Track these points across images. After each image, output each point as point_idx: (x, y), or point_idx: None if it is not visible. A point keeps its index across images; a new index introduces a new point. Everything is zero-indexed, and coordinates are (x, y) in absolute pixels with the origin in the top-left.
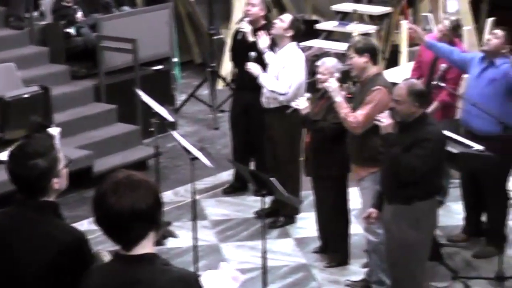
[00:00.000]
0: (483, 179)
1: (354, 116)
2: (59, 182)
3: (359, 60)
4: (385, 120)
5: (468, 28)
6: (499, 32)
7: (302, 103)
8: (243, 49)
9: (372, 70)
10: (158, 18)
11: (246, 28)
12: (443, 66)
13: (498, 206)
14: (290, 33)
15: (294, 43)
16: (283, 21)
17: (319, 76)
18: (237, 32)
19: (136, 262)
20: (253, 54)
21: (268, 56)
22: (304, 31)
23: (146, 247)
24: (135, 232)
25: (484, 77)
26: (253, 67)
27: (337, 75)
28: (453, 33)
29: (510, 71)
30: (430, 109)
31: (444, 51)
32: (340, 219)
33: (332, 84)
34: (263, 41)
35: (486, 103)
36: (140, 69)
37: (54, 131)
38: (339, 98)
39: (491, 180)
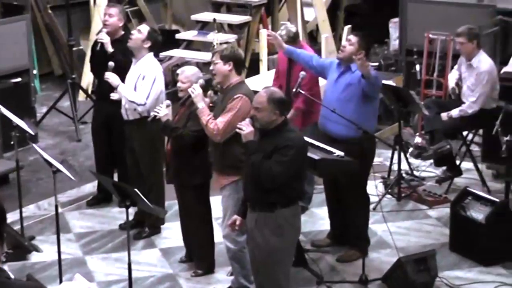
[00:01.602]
0: (343, 184)
1: (214, 123)
2: None
3: (223, 67)
4: (245, 128)
5: (326, 35)
6: (353, 38)
7: (162, 111)
8: (103, 60)
9: (235, 78)
10: (15, 29)
11: (105, 38)
12: (302, 73)
13: (359, 209)
14: (148, 44)
15: (152, 53)
16: (141, 32)
17: (179, 84)
18: (96, 42)
19: None
20: (111, 64)
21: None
22: (161, 41)
23: None
24: None
25: (341, 82)
26: (111, 77)
27: (201, 81)
28: (293, 41)
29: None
30: (288, 116)
31: (303, 57)
32: (204, 227)
33: (195, 90)
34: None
35: (343, 107)
36: None
37: None
38: (201, 104)
39: (351, 184)
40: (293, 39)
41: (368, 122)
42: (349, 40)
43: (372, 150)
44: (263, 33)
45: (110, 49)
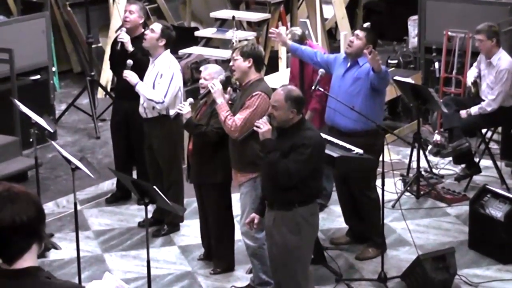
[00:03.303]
0: (353, 179)
1: (232, 120)
2: None
3: (243, 64)
4: (263, 126)
5: (344, 33)
6: (360, 33)
7: (185, 108)
8: (122, 58)
9: (254, 76)
10: (34, 27)
11: (125, 38)
12: (321, 71)
13: (371, 205)
14: (163, 42)
15: (168, 51)
16: (154, 31)
17: (201, 81)
18: (116, 40)
19: (18, 276)
20: (130, 62)
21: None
22: (176, 37)
23: (28, 260)
24: (17, 245)
25: (348, 77)
26: (129, 75)
27: (221, 77)
28: (300, 43)
29: (371, 69)
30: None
31: (307, 53)
32: (225, 225)
33: (215, 86)
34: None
35: (352, 102)
36: (17, 79)
37: None
38: (220, 99)
39: (360, 179)
40: (299, 41)
41: (376, 116)
42: (357, 35)
43: (380, 144)
44: (282, 30)
45: (130, 48)
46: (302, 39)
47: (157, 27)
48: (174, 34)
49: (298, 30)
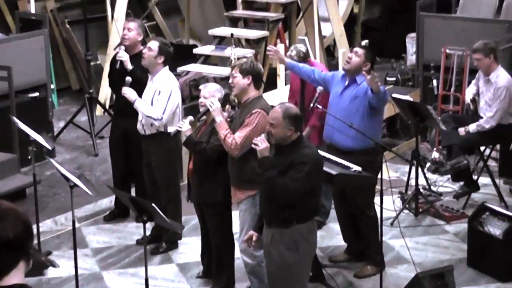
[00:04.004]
0: (351, 197)
1: (232, 138)
2: None
3: (242, 81)
4: (261, 143)
5: (343, 50)
6: (359, 50)
7: (185, 126)
8: (121, 76)
9: (253, 93)
10: (33, 44)
11: (124, 56)
12: (320, 89)
13: (368, 223)
14: (161, 59)
15: (167, 68)
16: (152, 49)
17: (201, 99)
18: (115, 58)
19: None
20: (129, 79)
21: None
22: (174, 55)
23: (15, 277)
24: (3, 262)
25: (346, 95)
26: (128, 92)
27: (219, 95)
28: (303, 60)
29: (369, 88)
30: (304, 134)
31: (305, 71)
32: (225, 243)
33: (214, 104)
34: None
35: (350, 120)
36: (16, 96)
37: None
38: (219, 118)
39: (358, 197)
40: (303, 58)
41: (375, 134)
42: (356, 52)
43: (379, 162)
44: (281, 48)
45: (129, 66)
46: (306, 56)
47: (154, 45)
48: (172, 50)
49: (302, 47)
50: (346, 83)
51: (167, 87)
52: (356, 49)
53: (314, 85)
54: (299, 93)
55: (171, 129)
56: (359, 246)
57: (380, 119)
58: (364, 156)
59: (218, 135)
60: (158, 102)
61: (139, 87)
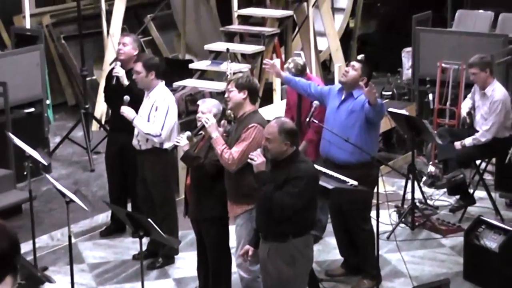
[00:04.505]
0: (347, 211)
1: (229, 153)
2: None
3: (238, 96)
4: (257, 158)
5: (339, 65)
6: (356, 64)
7: (183, 141)
8: (117, 91)
9: (249, 107)
10: (28, 60)
11: (120, 72)
12: (316, 103)
13: (365, 237)
14: (152, 75)
15: (163, 83)
16: (139, 71)
17: (198, 115)
18: (111, 73)
19: None
20: (127, 98)
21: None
22: (171, 70)
23: None
24: None
25: (343, 109)
26: (126, 111)
27: (214, 111)
28: (301, 73)
29: (366, 102)
30: (300, 148)
31: (301, 85)
32: (223, 258)
33: (209, 120)
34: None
35: (346, 134)
36: (11, 112)
37: None
38: (215, 133)
39: (355, 211)
40: (300, 71)
41: (371, 148)
42: (353, 66)
43: (374, 176)
44: (277, 62)
45: (126, 82)
46: (303, 69)
47: (139, 66)
48: (158, 60)
49: (300, 60)
50: (343, 97)
51: (164, 103)
52: (353, 63)
53: (310, 99)
54: (296, 108)
55: (167, 145)
56: (356, 260)
57: (377, 133)
58: (361, 170)
59: (215, 151)
60: (156, 118)
61: (137, 103)
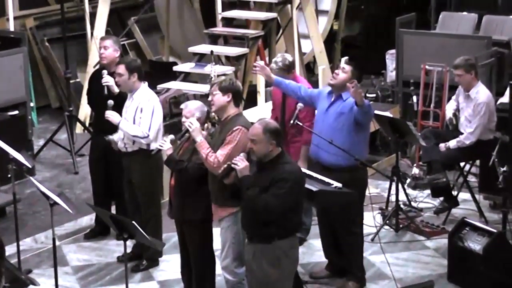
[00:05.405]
0: (335, 214)
1: (214, 156)
2: None
3: (222, 98)
4: (240, 163)
5: (323, 67)
6: (346, 67)
7: (166, 144)
8: (100, 93)
9: (233, 110)
10: (12, 62)
11: (110, 81)
12: (300, 105)
13: (352, 239)
14: (134, 77)
15: (146, 84)
16: (121, 74)
17: (183, 119)
18: (94, 75)
19: None
20: (111, 102)
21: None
22: (154, 72)
23: None
24: None
25: (332, 111)
26: (111, 116)
27: (197, 114)
28: (287, 70)
29: (354, 103)
30: (302, 153)
31: (291, 87)
32: (206, 261)
33: (193, 124)
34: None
35: (335, 136)
36: None
37: None
38: (200, 137)
39: (343, 214)
40: (288, 67)
41: (360, 151)
42: (343, 68)
43: (364, 179)
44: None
45: (116, 90)
46: (291, 66)
47: (121, 69)
48: (139, 62)
49: (289, 56)
50: (332, 99)
51: (149, 104)
52: (344, 65)
53: (299, 102)
54: (279, 107)
55: (154, 146)
56: (341, 262)
57: (366, 135)
58: (350, 173)
59: (200, 155)
60: (142, 120)
61: (121, 107)
